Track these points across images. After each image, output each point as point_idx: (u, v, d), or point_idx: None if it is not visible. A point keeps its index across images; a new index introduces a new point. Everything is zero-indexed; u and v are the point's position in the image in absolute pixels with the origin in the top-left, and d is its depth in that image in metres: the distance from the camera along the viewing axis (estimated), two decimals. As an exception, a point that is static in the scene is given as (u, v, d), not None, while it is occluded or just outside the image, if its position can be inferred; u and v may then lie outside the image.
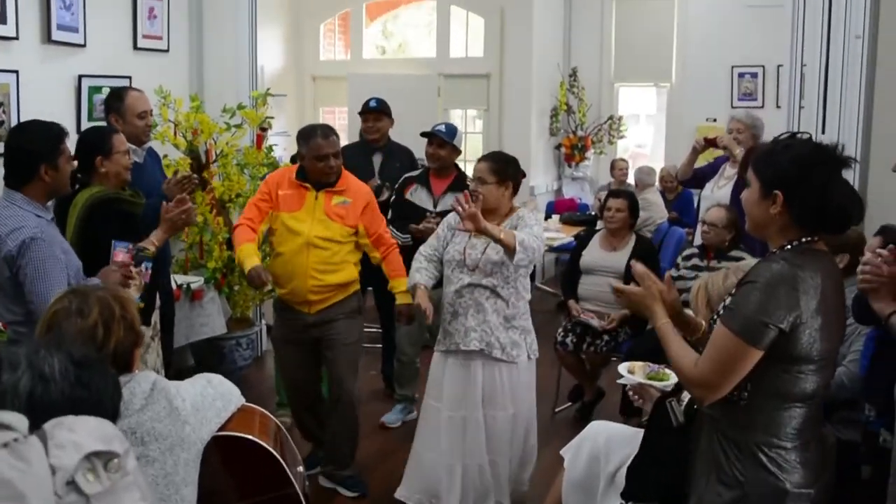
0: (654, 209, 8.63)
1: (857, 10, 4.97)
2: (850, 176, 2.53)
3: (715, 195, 6.01)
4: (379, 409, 5.91)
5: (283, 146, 8.35)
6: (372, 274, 5.23)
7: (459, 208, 3.93)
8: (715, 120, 9.99)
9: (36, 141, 3.45)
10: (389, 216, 5.43)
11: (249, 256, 4.35)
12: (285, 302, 4.61)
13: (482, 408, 4.32)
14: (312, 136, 4.35)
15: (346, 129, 10.03)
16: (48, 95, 5.29)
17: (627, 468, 3.36)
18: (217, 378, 2.68)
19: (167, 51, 6.30)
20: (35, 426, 1.38)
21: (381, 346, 6.40)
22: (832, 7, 5.10)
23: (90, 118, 5.58)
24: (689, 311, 3.60)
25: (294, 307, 4.55)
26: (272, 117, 6.43)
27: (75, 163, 3.74)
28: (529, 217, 4.33)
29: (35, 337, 2.30)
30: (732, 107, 9.93)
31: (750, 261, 3.87)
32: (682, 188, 8.75)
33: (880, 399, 3.28)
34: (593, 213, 9.28)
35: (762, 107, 9.75)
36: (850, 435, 3.60)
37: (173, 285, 5.27)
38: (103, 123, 5.47)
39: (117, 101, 4.74)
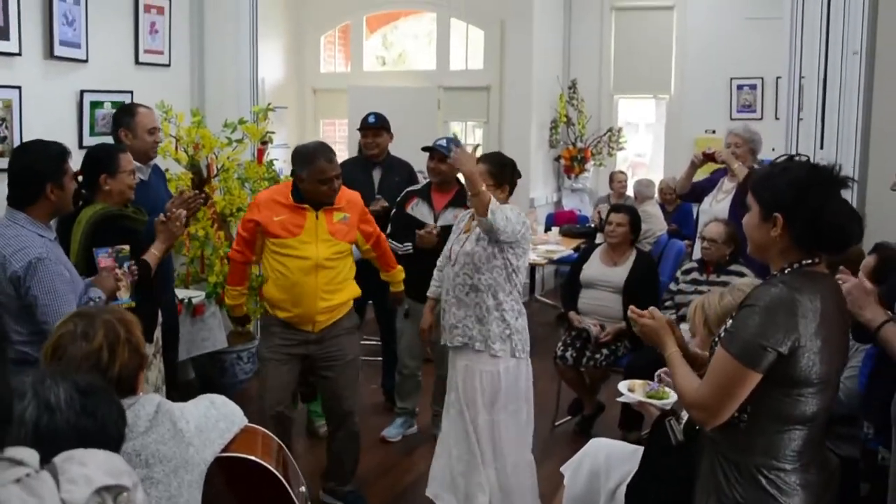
0: (654, 221, 8.66)
1: (855, 26, 5.00)
2: (848, 193, 2.54)
3: (713, 209, 6.02)
4: (379, 422, 5.92)
5: (283, 159, 8.35)
6: (372, 287, 5.26)
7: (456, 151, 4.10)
8: (714, 132, 10.03)
9: (42, 160, 3.47)
10: (389, 230, 5.46)
11: (238, 305, 4.72)
12: (285, 321, 4.51)
13: (471, 410, 4.36)
14: (315, 160, 4.28)
15: (346, 140, 10.08)
16: (51, 111, 5.32)
17: (627, 486, 3.39)
18: (220, 399, 2.70)
19: (168, 65, 6.32)
20: (42, 455, 1.40)
21: (381, 359, 6.42)
22: (830, 22, 5.13)
23: (92, 133, 5.60)
24: (684, 327, 3.64)
25: (296, 326, 4.50)
26: (273, 132, 6.45)
27: (79, 178, 3.78)
28: (509, 208, 4.33)
29: (41, 359, 2.31)
30: (731, 118, 9.97)
31: (746, 280, 3.88)
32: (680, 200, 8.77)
33: (878, 417, 3.30)
34: (593, 225, 9.30)
35: (761, 118, 9.79)
36: (847, 451, 3.61)
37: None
38: (106, 138, 5.52)
39: (127, 117, 4.76)
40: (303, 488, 2.87)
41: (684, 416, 3.04)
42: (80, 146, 5.40)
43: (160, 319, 4.26)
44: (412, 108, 9.02)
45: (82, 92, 5.55)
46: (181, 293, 5.69)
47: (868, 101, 5.02)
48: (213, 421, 2.55)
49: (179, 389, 4.99)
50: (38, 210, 3.46)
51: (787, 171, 2.51)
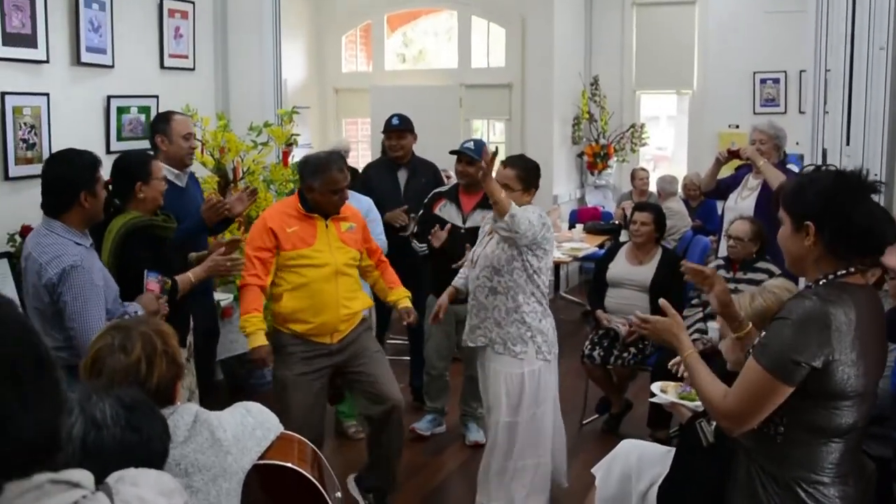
0: (678, 218, 8.63)
1: (882, 20, 4.96)
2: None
3: (739, 206, 6.01)
4: (408, 422, 5.91)
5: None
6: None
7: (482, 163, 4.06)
8: (738, 126, 9.99)
9: (75, 169, 3.54)
10: (416, 230, 5.50)
11: (256, 332, 4.23)
12: (301, 336, 4.35)
13: (494, 412, 4.40)
14: (328, 170, 4.24)
15: (369, 139, 10.11)
16: (78, 117, 5.38)
17: (659, 487, 3.39)
18: (256, 407, 2.73)
19: (193, 69, 6.38)
20: (93, 474, 1.42)
21: (408, 358, 6.44)
22: (856, 16, 5.09)
23: (119, 138, 5.66)
24: (712, 325, 3.63)
25: (313, 339, 4.36)
26: (298, 134, 6.48)
27: (109, 187, 3.82)
28: (531, 209, 4.38)
29: (80, 372, 2.34)
30: (754, 113, 9.93)
31: (778, 281, 3.87)
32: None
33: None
34: (617, 221, 9.28)
35: (784, 112, 9.75)
36: (879, 451, 3.59)
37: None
38: (133, 143, 5.58)
39: (163, 123, 4.80)
40: (338, 494, 2.90)
41: (715, 418, 3.05)
42: (108, 151, 5.46)
43: (192, 324, 4.30)
44: (434, 106, 9.04)
45: (109, 98, 5.61)
46: (209, 296, 5.73)
47: (895, 95, 4.98)
48: (250, 429, 2.57)
49: (209, 392, 5.04)
50: (73, 218, 3.52)
51: (815, 181, 2.53)
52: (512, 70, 9.93)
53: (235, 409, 2.67)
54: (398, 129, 6.02)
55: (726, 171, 6.64)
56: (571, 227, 9.47)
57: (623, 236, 8.32)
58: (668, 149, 12.55)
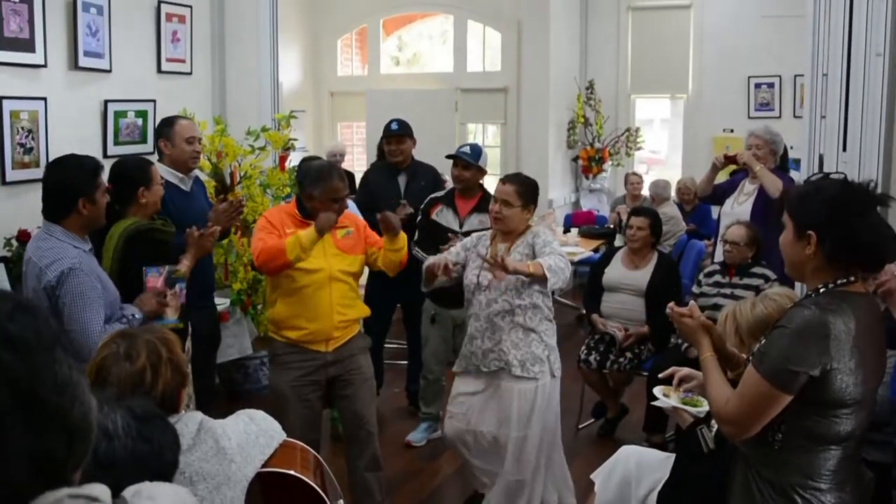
0: (674, 223, 8.64)
1: (878, 27, 4.97)
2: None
3: (735, 211, 6.02)
4: (403, 427, 5.95)
5: (302, 163, 8.40)
6: (401, 290, 5.26)
7: (486, 266, 4.17)
8: (732, 130, 10.02)
9: (74, 175, 3.54)
10: (416, 237, 5.48)
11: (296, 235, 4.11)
12: (296, 343, 4.31)
13: (504, 427, 4.39)
14: (329, 179, 4.22)
15: (365, 143, 10.11)
16: (75, 121, 5.37)
17: (658, 493, 3.40)
18: (259, 414, 2.73)
19: (190, 73, 6.37)
20: (100, 482, 1.42)
21: (405, 362, 6.44)
22: (853, 22, 5.11)
23: (116, 142, 5.65)
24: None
25: (308, 347, 4.31)
26: (296, 139, 6.48)
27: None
28: (545, 233, 4.45)
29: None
30: (749, 117, 9.96)
31: (778, 289, 3.89)
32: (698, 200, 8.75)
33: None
34: (611, 225, 9.29)
35: (779, 117, 9.79)
36: (878, 457, 3.61)
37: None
38: (130, 147, 5.57)
39: (167, 128, 4.79)
40: (340, 501, 2.90)
41: (715, 424, 3.06)
42: (105, 155, 5.44)
43: (190, 330, 4.29)
44: (429, 110, 9.05)
45: (106, 102, 5.60)
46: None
47: (891, 102, 5.00)
48: (254, 437, 2.58)
49: (205, 397, 5.03)
50: (72, 223, 3.54)
51: (822, 189, 2.52)
52: (507, 74, 9.95)
53: (238, 416, 2.67)
54: (398, 135, 6.01)
55: (722, 176, 6.65)
56: (566, 231, 9.48)
57: (618, 241, 8.34)
58: (661, 152, 12.57)
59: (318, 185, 4.23)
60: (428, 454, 5.69)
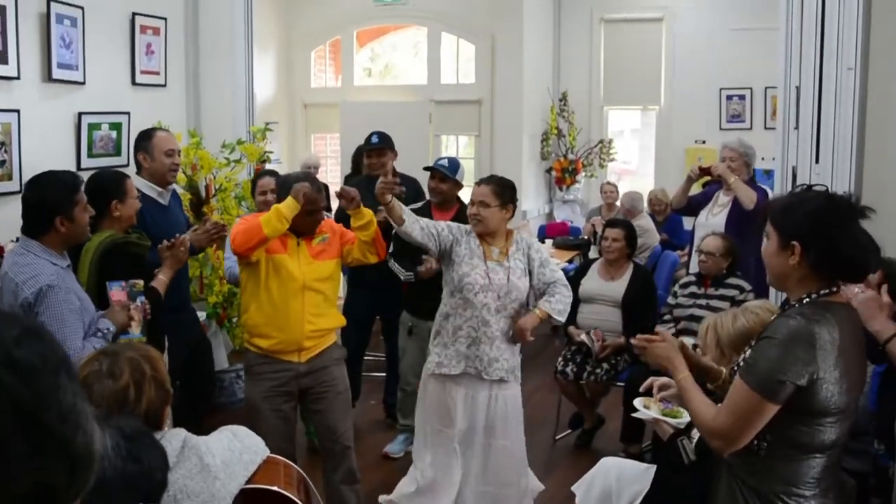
0: (648, 235, 8.64)
1: (850, 40, 5.03)
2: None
3: (710, 222, 6.07)
4: (380, 439, 5.93)
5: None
6: (380, 303, 5.22)
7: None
8: (704, 142, 10.11)
9: (51, 193, 3.51)
10: (391, 249, 5.46)
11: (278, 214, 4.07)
12: (268, 353, 4.29)
13: (486, 435, 4.41)
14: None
15: (339, 154, 10.08)
16: (49, 133, 5.32)
17: (639, 505, 3.42)
18: (242, 430, 2.71)
19: (165, 86, 6.33)
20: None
21: (383, 374, 6.42)
22: (825, 35, 5.16)
23: (90, 155, 5.60)
24: (688, 340, 3.66)
25: (281, 358, 4.29)
26: (271, 151, 6.46)
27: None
28: (537, 246, 4.57)
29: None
30: (721, 129, 10.05)
31: (758, 301, 3.92)
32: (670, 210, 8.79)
33: (888, 434, 3.34)
34: (585, 236, 9.32)
35: (750, 128, 9.88)
36: (857, 465, 3.64)
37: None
38: (104, 160, 5.53)
39: (145, 140, 4.77)
40: (324, 517, 2.89)
41: (695, 434, 3.07)
42: (79, 168, 5.40)
43: (167, 345, 4.26)
44: (404, 122, 9.04)
45: (80, 114, 5.55)
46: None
47: (863, 115, 5.06)
48: (238, 454, 2.56)
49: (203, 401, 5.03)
50: (50, 240, 3.50)
51: (805, 201, 2.55)
52: (481, 86, 9.96)
53: (222, 433, 2.65)
54: (378, 148, 5.98)
55: (695, 188, 6.70)
56: (541, 242, 9.48)
57: (592, 252, 8.36)
58: (632, 163, 12.62)
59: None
60: (406, 466, 5.63)
